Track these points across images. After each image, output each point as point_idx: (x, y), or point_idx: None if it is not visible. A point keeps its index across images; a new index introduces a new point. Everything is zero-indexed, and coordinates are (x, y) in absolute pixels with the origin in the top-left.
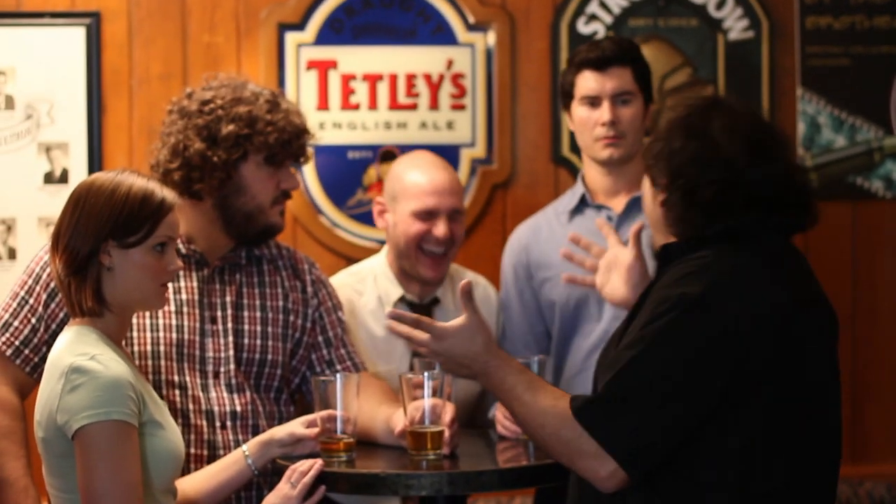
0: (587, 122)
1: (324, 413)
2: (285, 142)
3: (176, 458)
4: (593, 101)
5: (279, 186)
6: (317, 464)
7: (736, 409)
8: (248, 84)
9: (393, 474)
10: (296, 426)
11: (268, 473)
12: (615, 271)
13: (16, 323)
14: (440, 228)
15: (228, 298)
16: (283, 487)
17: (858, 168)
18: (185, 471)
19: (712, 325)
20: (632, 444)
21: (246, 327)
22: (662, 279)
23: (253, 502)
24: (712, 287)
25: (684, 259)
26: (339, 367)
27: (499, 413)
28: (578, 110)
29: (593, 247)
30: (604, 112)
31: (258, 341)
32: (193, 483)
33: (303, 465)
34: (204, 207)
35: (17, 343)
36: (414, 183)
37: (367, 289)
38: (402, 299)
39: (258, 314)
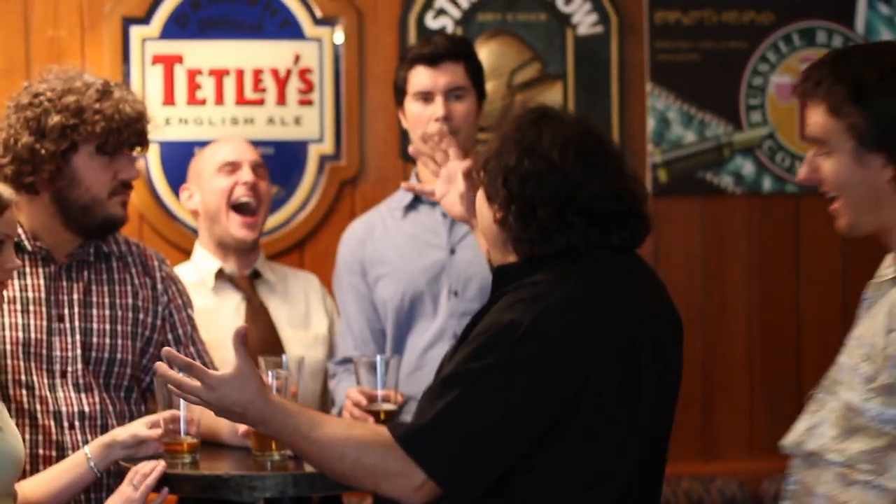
0: (420, 117)
1: (167, 414)
2: (115, 130)
3: (15, 461)
4: (426, 97)
5: (116, 177)
6: (159, 465)
7: (568, 436)
8: (83, 75)
9: (237, 476)
10: (138, 427)
11: (116, 474)
12: (454, 185)
13: None
14: (245, 175)
15: (76, 296)
16: (124, 489)
17: (708, 163)
18: (34, 472)
19: (542, 356)
20: (452, 467)
21: (95, 326)
22: (497, 304)
23: (101, 503)
24: (543, 316)
25: (520, 283)
26: None
27: (346, 412)
28: (412, 106)
29: (438, 153)
30: (437, 107)
31: (107, 340)
32: (34, 486)
33: (145, 466)
34: (42, 202)
35: None
36: (212, 149)
37: (187, 271)
38: (220, 272)
39: (107, 312)
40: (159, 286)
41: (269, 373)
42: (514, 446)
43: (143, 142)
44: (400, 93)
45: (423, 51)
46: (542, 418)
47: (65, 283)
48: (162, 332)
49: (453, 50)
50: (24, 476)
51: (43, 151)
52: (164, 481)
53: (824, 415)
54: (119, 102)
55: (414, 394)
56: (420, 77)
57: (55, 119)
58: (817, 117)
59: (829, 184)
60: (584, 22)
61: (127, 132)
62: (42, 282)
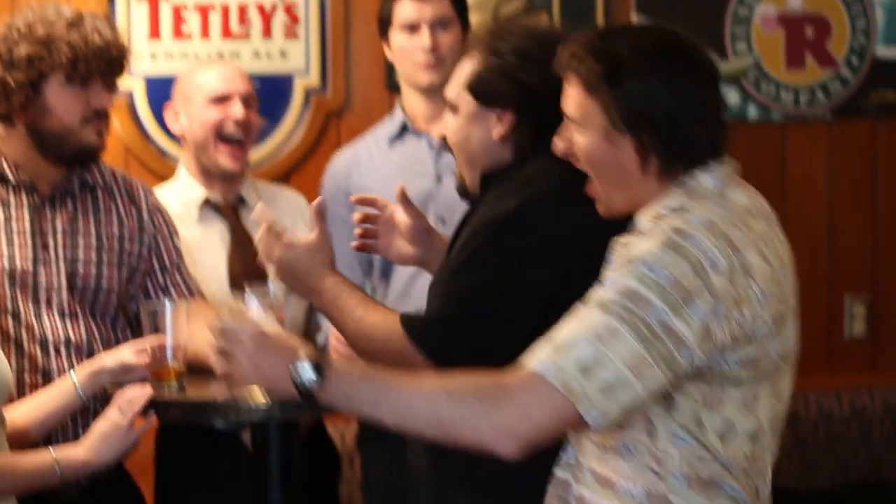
0: (406, 48)
1: (153, 340)
2: (83, 59)
3: (2, 385)
4: (412, 28)
5: (89, 105)
6: (146, 390)
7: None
8: (60, 7)
9: (224, 401)
10: (125, 353)
11: (102, 399)
12: (395, 232)
13: None
14: (236, 110)
15: (60, 226)
16: (111, 414)
17: None
18: (20, 398)
19: (528, 241)
20: (456, 356)
21: (81, 255)
22: (486, 199)
23: (88, 426)
24: (527, 203)
25: (506, 176)
26: (173, 291)
27: (332, 338)
28: (397, 38)
29: (378, 201)
30: (423, 38)
31: (93, 269)
32: (22, 412)
33: (132, 391)
34: (19, 133)
35: None
36: (203, 74)
37: (171, 198)
38: (206, 201)
39: (93, 242)
40: (145, 216)
41: (254, 295)
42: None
43: (114, 71)
44: (385, 25)
45: None
46: (532, 301)
47: (49, 213)
48: (148, 260)
49: None
50: (10, 402)
51: (12, 82)
52: (150, 406)
53: None
54: (90, 32)
55: None
56: (406, 8)
57: (23, 49)
58: (573, 94)
59: (581, 160)
60: None
61: (96, 61)
62: (26, 213)
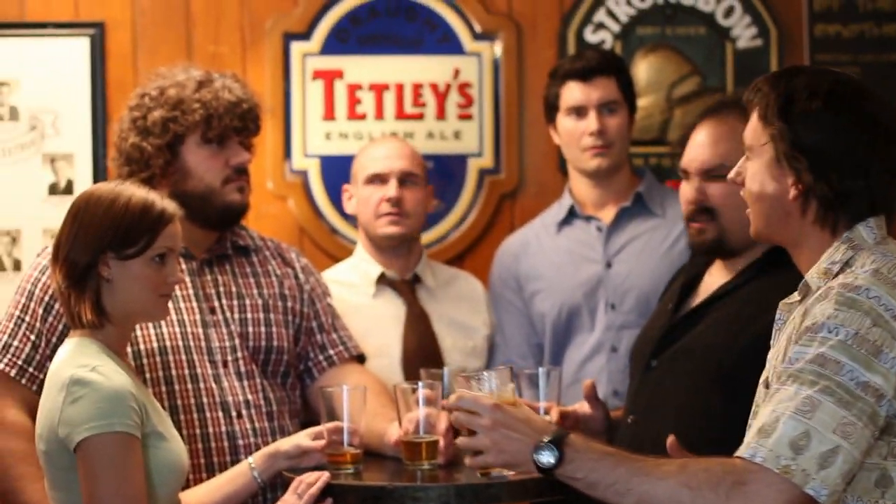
0: (574, 132)
1: (330, 424)
2: (217, 117)
3: (179, 469)
4: (579, 112)
5: (228, 164)
6: (323, 476)
7: None
8: (190, 69)
9: (400, 486)
10: (302, 438)
11: (273, 487)
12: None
13: (15, 343)
14: (390, 190)
15: (222, 288)
16: (289, 499)
17: None
18: (208, 464)
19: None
20: None
21: (249, 315)
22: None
23: None
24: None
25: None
26: (331, 351)
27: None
28: (564, 122)
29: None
30: (591, 122)
31: (262, 328)
32: (198, 496)
33: (309, 476)
34: None
35: (19, 363)
36: (366, 155)
37: (348, 273)
38: (382, 276)
39: (258, 301)
40: (301, 275)
41: (419, 383)
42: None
43: (248, 127)
44: (552, 109)
45: (576, 66)
46: None
47: (209, 277)
48: (307, 319)
49: (605, 64)
50: (198, 470)
51: (149, 147)
52: (327, 492)
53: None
54: (219, 90)
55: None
56: (573, 92)
57: (156, 114)
58: (752, 122)
59: (745, 187)
60: (744, 35)
61: (228, 117)
62: (187, 278)
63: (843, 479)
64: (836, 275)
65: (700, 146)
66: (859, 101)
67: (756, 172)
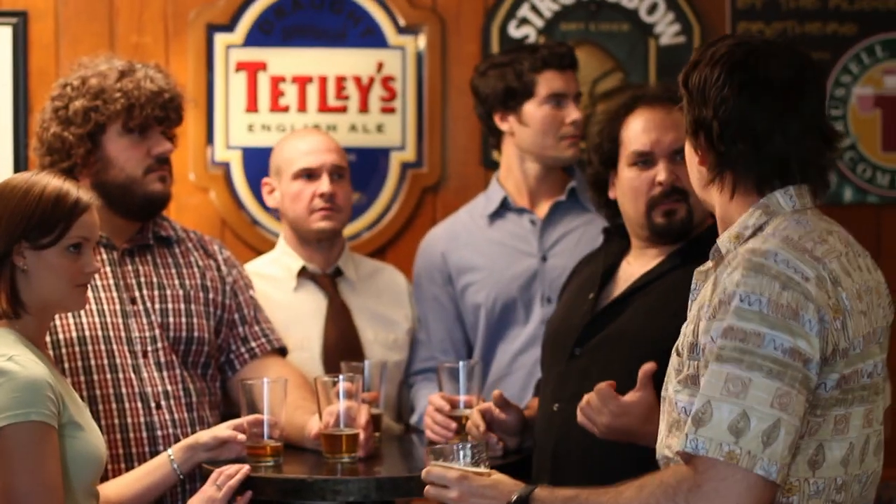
0: (553, 120)
1: (250, 417)
2: (139, 107)
3: (97, 460)
4: (559, 100)
5: (150, 154)
6: (243, 468)
7: None
8: (112, 60)
9: (320, 479)
10: (221, 430)
11: (193, 478)
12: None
13: None
14: (323, 186)
15: (143, 279)
16: (208, 489)
17: None
18: (127, 455)
19: None
20: None
21: (169, 306)
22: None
23: (184, 503)
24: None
25: None
26: (253, 344)
27: (427, 418)
28: (539, 109)
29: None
30: (571, 111)
31: (183, 319)
32: (117, 487)
33: (229, 468)
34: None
35: None
36: (291, 148)
37: (269, 267)
38: (303, 270)
39: (179, 292)
40: (223, 268)
41: (339, 376)
42: None
43: (170, 116)
44: (515, 95)
45: (560, 51)
46: None
47: (130, 268)
48: (229, 311)
49: (573, 57)
50: (116, 460)
51: (71, 137)
52: (247, 484)
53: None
54: (141, 80)
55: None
56: (555, 80)
57: (78, 103)
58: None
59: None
60: (667, 32)
61: (150, 107)
62: (108, 268)
63: (790, 451)
64: (748, 239)
65: (659, 128)
66: (756, 63)
67: (686, 148)
